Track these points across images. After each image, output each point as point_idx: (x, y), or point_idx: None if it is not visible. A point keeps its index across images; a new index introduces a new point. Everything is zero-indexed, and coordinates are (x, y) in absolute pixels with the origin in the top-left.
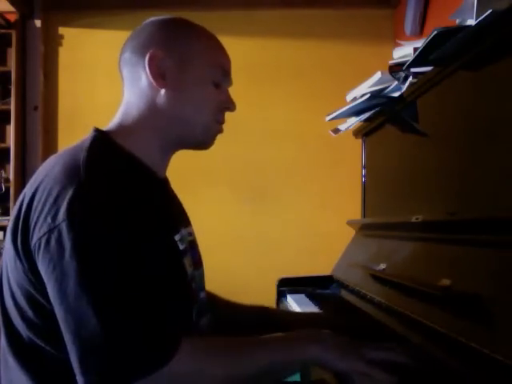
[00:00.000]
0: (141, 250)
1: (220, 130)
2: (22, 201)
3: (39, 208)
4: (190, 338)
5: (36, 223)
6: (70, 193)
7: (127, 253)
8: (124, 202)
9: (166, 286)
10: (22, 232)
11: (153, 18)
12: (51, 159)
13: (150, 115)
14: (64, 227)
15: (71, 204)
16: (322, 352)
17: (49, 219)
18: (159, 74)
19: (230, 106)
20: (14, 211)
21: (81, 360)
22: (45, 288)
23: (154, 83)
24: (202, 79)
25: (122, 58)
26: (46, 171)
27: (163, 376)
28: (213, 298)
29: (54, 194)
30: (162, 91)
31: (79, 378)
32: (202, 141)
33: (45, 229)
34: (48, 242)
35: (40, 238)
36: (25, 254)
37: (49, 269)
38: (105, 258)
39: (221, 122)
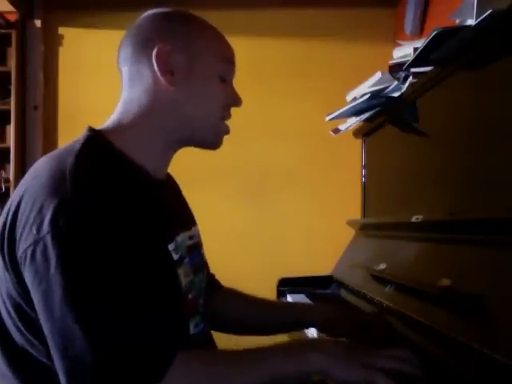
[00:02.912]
0: (129, 263)
1: (227, 129)
2: (9, 209)
3: (24, 217)
4: (186, 352)
5: (22, 233)
6: (54, 203)
7: (114, 267)
8: (111, 214)
9: (157, 300)
10: (8, 242)
11: (151, 11)
12: (39, 163)
13: (154, 113)
14: (49, 239)
15: (55, 215)
16: (325, 361)
17: (34, 230)
18: (167, 71)
19: (236, 101)
20: (1, 218)
21: (68, 378)
22: (32, 301)
23: (163, 80)
24: (211, 74)
25: (121, 54)
26: (33, 177)
27: None
28: (234, 295)
29: (39, 203)
30: (170, 88)
31: None
32: (210, 139)
33: (30, 240)
34: (33, 254)
35: (26, 250)
36: (12, 264)
37: (35, 282)
38: (90, 273)
39: (227, 117)
